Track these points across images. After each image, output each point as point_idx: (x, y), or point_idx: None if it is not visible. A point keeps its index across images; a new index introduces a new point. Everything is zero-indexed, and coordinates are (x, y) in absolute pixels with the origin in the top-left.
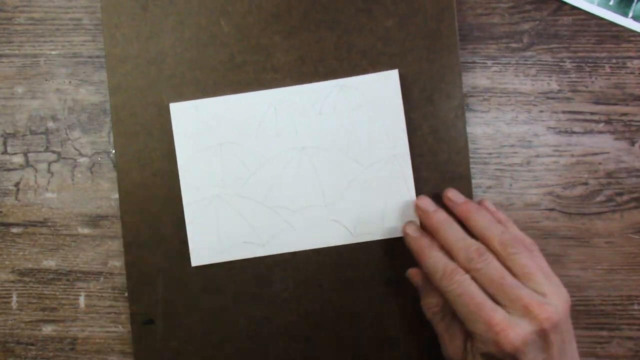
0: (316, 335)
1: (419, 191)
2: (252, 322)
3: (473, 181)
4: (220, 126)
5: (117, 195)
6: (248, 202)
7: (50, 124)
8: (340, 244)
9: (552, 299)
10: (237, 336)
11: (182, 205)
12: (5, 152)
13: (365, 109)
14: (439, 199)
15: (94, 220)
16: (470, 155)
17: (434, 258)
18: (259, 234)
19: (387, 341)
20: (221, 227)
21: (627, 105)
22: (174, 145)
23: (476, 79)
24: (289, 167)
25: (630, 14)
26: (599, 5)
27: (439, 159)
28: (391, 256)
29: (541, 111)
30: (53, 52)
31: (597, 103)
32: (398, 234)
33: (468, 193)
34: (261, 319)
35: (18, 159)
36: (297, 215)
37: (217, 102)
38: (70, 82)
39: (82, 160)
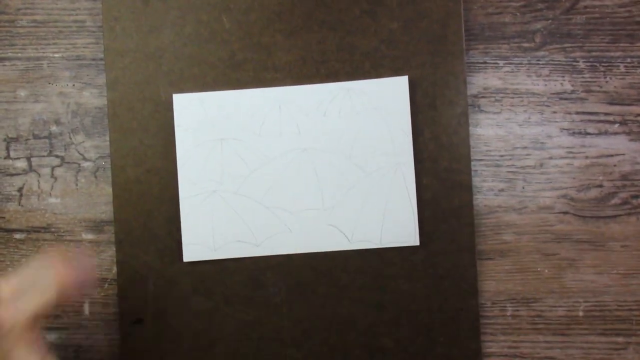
0: (307, 341)
1: (419, 199)
2: (242, 325)
3: (484, 184)
4: (223, 121)
5: None
6: (245, 200)
7: (54, 128)
8: (336, 250)
9: None
10: (227, 339)
11: (176, 203)
12: (8, 157)
13: (371, 114)
14: (439, 207)
15: (98, 226)
16: (482, 157)
17: None
18: (254, 234)
19: (379, 350)
20: (216, 224)
21: None
22: (169, 142)
23: (487, 79)
24: (290, 168)
25: None
26: None
27: (439, 167)
28: (387, 265)
29: (554, 112)
30: (56, 55)
31: (611, 103)
32: (396, 244)
33: (469, 202)
34: (252, 322)
35: (21, 164)
36: (295, 218)
37: (222, 96)
38: (73, 85)
39: (86, 164)
